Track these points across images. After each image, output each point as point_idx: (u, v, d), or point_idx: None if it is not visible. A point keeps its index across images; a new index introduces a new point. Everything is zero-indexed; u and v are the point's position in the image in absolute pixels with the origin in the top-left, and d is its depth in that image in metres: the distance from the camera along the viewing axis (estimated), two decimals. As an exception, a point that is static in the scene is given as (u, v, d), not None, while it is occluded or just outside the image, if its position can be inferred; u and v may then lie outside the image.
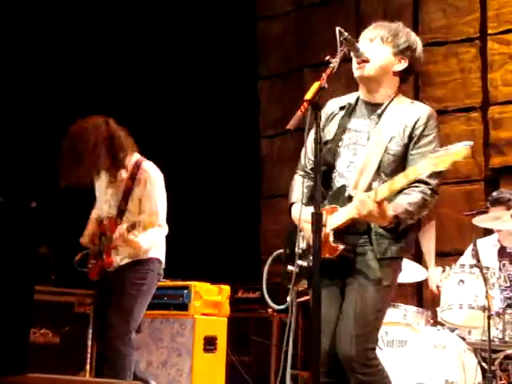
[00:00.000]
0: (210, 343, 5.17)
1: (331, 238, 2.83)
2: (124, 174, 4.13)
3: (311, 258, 2.72)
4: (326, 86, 2.62)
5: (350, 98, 3.04)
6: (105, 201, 4.23)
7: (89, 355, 6.19)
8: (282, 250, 3.17)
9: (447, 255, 5.99)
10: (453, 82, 6.33)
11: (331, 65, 2.69)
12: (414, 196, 2.80)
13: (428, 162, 2.59)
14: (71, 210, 7.07)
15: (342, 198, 2.87)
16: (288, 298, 2.90)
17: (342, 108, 3.02)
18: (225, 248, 7.00)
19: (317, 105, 2.61)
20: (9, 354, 5.81)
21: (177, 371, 5.28)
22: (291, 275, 2.89)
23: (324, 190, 2.90)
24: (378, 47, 2.94)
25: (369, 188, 2.83)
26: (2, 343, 5.86)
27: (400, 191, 2.77)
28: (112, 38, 7.10)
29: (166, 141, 6.95)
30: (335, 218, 2.83)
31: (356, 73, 2.95)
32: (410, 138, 2.87)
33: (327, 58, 2.72)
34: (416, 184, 2.79)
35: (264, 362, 6.03)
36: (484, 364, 4.35)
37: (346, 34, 2.78)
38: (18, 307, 5.99)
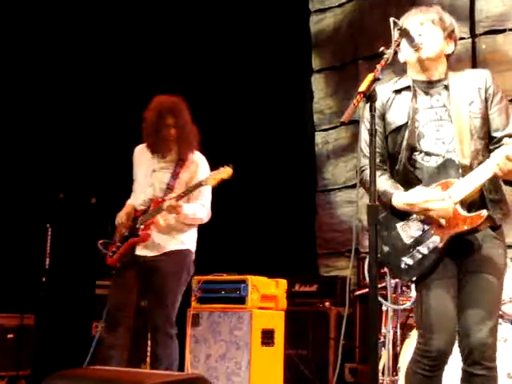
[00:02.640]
0: (267, 337, 5.19)
1: (462, 211, 2.75)
2: (175, 158, 4.25)
3: (437, 238, 2.74)
4: (381, 77, 2.61)
5: (403, 82, 3.00)
6: (149, 184, 4.29)
7: (149, 348, 6.29)
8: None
9: (509, 247, 5.86)
10: (511, 71, 6.19)
11: (385, 56, 2.68)
12: None
13: None
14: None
15: (451, 170, 2.81)
16: (413, 295, 2.83)
17: (397, 92, 2.98)
18: (281, 242, 7.01)
19: (371, 97, 2.60)
20: (72, 346, 5.95)
21: (235, 364, 5.31)
22: (406, 268, 2.83)
23: (408, 172, 2.88)
24: (431, 30, 2.92)
25: (475, 153, 2.81)
26: (65, 336, 6.01)
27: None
28: (173, 29, 7.20)
29: (222, 135, 6.99)
30: (459, 189, 2.76)
31: (412, 56, 2.91)
32: (486, 98, 2.90)
33: (381, 49, 2.71)
34: None
35: (322, 355, 6.02)
36: (547, 358, 4.25)
37: (401, 24, 2.77)
38: (80, 301, 6.12)
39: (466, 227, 2.74)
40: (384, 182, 2.91)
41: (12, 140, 6.61)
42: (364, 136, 2.92)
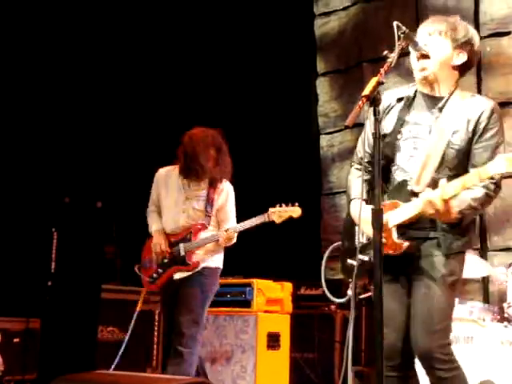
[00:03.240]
0: (273, 340, 5.20)
1: (395, 235, 2.82)
2: (207, 186, 4.38)
3: (372, 252, 2.72)
4: (384, 81, 2.61)
5: (407, 90, 3.01)
6: (183, 210, 4.37)
7: (155, 351, 6.30)
8: (339, 243, 3.18)
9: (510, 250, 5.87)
10: (516, 73, 6.19)
11: (389, 59, 2.69)
12: (478, 191, 2.78)
13: (500, 163, 2.56)
14: (136, 210, 7.21)
15: (403, 193, 2.85)
16: (349, 292, 2.91)
17: (399, 100, 2.99)
18: (286, 245, 7.01)
19: (375, 100, 2.60)
20: (77, 351, 5.96)
21: (241, 368, 5.32)
22: (351, 268, 2.92)
23: (385, 180, 2.90)
24: (437, 41, 2.91)
25: (432, 182, 2.80)
26: (70, 341, 6.01)
27: None
28: (175, 34, 7.22)
29: (228, 138, 7.00)
30: (398, 213, 2.81)
31: (418, 75, 2.93)
32: (474, 132, 2.84)
33: (385, 52, 2.72)
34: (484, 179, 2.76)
35: (328, 358, 6.02)
36: (553, 361, 4.25)
37: (404, 28, 2.77)
38: (86, 305, 6.13)
39: (390, 251, 2.80)
40: (357, 185, 2.99)
41: (18, 144, 6.63)
42: (363, 136, 3.00)
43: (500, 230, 6.05)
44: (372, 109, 2.62)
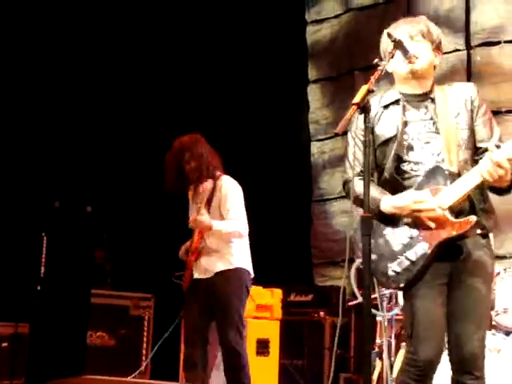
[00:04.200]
0: (262, 346, 5.20)
1: (451, 217, 2.77)
2: (209, 185, 4.49)
3: (425, 244, 2.76)
4: (375, 89, 2.63)
5: (391, 96, 3.03)
6: (196, 209, 4.49)
7: (144, 357, 6.29)
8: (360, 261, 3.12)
9: (502, 258, 5.89)
10: (506, 83, 6.23)
11: (380, 67, 2.71)
12: None
13: None
14: (126, 215, 7.21)
15: (440, 177, 2.84)
16: (400, 301, 2.84)
17: (385, 106, 3.01)
18: (276, 252, 7.02)
19: (365, 108, 2.62)
20: (67, 356, 5.94)
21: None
22: (393, 275, 2.84)
23: (396, 182, 2.90)
24: (421, 44, 2.96)
25: (464, 162, 2.84)
26: (60, 346, 5.99)
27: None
28: (166, 39, 7.24)
29: (219, 144, 7.01)
30: (450, 193, 2.78)
31: (404, 68, 2.93)
32: (472, 110, 2.95)
33: (375, 60, 2.74)
34: None
35: (317, 365, 6.02)
36: (541, 368, 4.26)
37: (395, 36, 2.80)
38: (75, 310, 6.11)
39: (454, 232, 2.76)
40: (371, 190, 2.89)
41: (7, 148, 6.61)
42: (351, 148, 2.96)
43: (489, 238, 6.08)
44: (362, 117, 2.64)
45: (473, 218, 2.76)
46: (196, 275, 4.49)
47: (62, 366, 5.81)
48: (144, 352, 6.31)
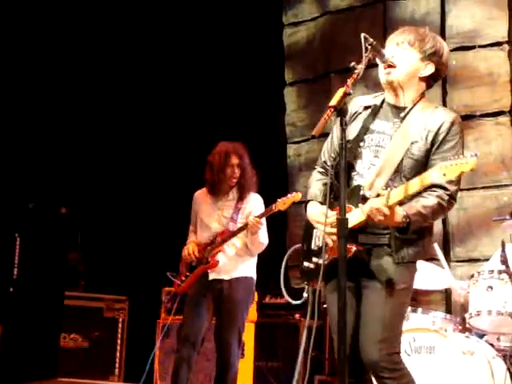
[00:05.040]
0: (237, 348, 5.18)
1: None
2: (236, 194, 4.66)
3: (326, 255, 2.81)
4: (352, 92, 2.64)
5: (375, 99, 3.04)
6: (215, 220, 4.63)
7: (117, 359, 6.25)
8: (299, 245, 3.19)
9: (476, 261, 5.94)
10: (481, 87, 6.27)
11: (356, 71, 2.71)
12: (430, 200, 2.81)
13: (438, 171, 2.58)
14: (100, 216, 7.16)
15: (356, 198, 2.86)
16: (305, 294, 2.92)
17: (366, 108, 3.02)
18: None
19: (342, 111, 2.63)
20: (39, 358, 5.88)
21: (205, 376, 5.30)
22: (307, 271, 2.97)
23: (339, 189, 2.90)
24: (404, 52, 2.93)
25: (385, 189, 2.80)
26: (32, 348, 5.93)
27: (417, 194, 2.78)
28: (131, 42, 7.21)
29: (191, 150, 7.01)
30: (349, 219, 2.77)
31: (382, 78, 2.95)
32: (433, 143, 2.86)
33: (352, 63, 2.74)
34: (434, 188, 2.80)
35: (291, 367, 6.01)
36: (513, 371, 4.31)
37: (372, 39, 2.79)
38: (48, 312, 6.06)
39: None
40: (315, 187, 3.05)
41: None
42: (329, 140, 3.03)
43: (463, 242, 6.13)
44: (339, 119, 2.65)
45: (353, 249, 2.79)
46: (213, 276, 4.54)
47: (35, 369, 5.76)
48: (118, 354, 6.27)
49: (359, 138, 2.94)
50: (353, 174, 2.93)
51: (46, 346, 5.97)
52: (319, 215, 2.91)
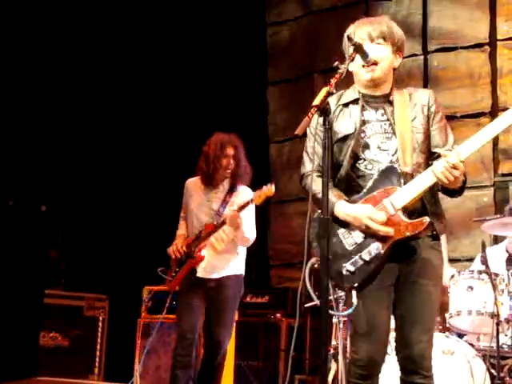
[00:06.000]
0: (218, 347, 5.17)
1: (404, 217, 2.83)
2: (226, 186, 4.64)
3: (379, 244, 2.81)
4: (335, 91, 2.65)
5: (350, 95, 3.05)
6: (204, 212, 4.59)
7: (98, 358, 6.21)
8: (315, 258, 3.12)
9: (457, 261, 5.98)
10: (462, 88, 6.32)
11: (340, 70, 2.72)
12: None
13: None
14: (80, 214, 7.12)
15: (394, 177, 2.88)
16: (354, 300, 2.87)
17: (345, 105, 3.03)
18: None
19: (325, 110, 2.63)
20: (19, 357, 5.84)
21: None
22: (348, 274, 2.87)
23: (351, 179, 2.95)
24: (382, 48, 2.99)
25: (417, 165, 2.89)
26: (12, 346, 5.89)
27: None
28: (114, 40, 7.18)
29: (174, 147, 6.98)
30: (404, 193, 2.83)
31: (366, 76, 2.97)
32: (428, 115, 3.01)
33: (336, 63, 2.75)
34: None
35: (272, 366, 6.02)
36: (493, 370, 4.32)
37: (355, 39, 2.82)
38: (28, 310, 6.02)
39: (408, 233, 2.82)
40: (330, 190, 2.97)
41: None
42: (311, 143, 3.00)
43: (443, 242, 6.16)
44: (322, 119, 2.65)
45: (426, 219, 2.81)
46: (201, 274, 4.52)
47: (14, 367, 5.72)
48: (98, 353, 6.24)
49: (358, 130, 2.97)
50: (359, 163, 2.95)
51: (26, 344, 5.93)
52: (364, 214, 2.85)
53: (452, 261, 6.05)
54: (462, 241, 6.09)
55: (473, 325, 4.47)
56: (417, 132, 2.96)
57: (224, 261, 4.54)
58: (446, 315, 4.55)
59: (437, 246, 2.96)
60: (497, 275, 4.44)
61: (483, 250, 4.45)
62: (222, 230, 4.48)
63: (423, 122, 2.99)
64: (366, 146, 2.97)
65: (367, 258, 2.85)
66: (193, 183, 4.74)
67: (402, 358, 2.88)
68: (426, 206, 2.89)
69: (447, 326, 4.57)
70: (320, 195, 2.73)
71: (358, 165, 2.95)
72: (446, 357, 4.26)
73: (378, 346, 2.85)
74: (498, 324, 4.20)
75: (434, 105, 3.03)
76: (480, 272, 4.45)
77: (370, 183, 2.91)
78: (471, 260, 5.42)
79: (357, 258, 2.87)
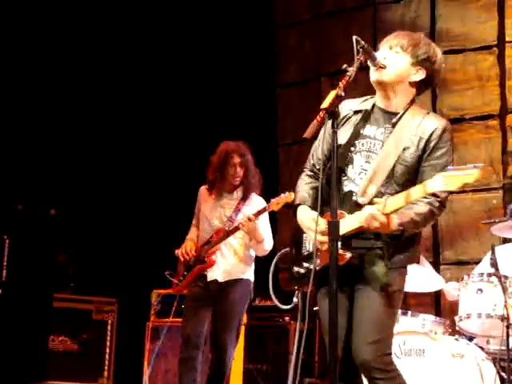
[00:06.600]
0: (227, 351, 5.16)
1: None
2: (240, 194, 4.66)
3: (318, 261, 2.80)
4: (343, 94, 2.64)
5: (366, 104, 3.03)
6: (216, 217, 4.62)
7: (107, 362, 6.22)
8: (287, 249, 3.19)
9: (466, 264, 5.96)
10: (470, 90, 6.30)
11: (348, 73, 2.70)
12: (422, 207, 2.81)
13: (440, 181, 2.56)
14: (89, 218, 7.13)
15: (348, 204, 2.86)
16: (294, 299, 2.91)
17: (356, 112, 3.01)
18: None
19: (333, 113, 2.62)
20: (28, 361, 5.85)
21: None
22: (297, 276, 2.97)
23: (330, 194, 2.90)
24: (396, 55, 2.94)
25: (378, 196, 2.81)
26: (21, 351, 5.90)
27: None
28: (116, 42, 7.20)
29: (183, 151, 6.99)
30: (342, 224, 2.77)
31: (372, 76, 2.95)
32: (424, 149, 2.88)
33: (344, 66, 2.73)
34: (425, 195, 2.79)
35: (281, 370, 6.01)
36: (503, 373, 4.30)
37: (363, 42, 2.79)
38: (37, 314, 6.03)
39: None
40: (304, 190, 3.03)
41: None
42: (317, 141, 3.01)
43: (453, 244, 6.15)
44: (330, 122, 2.64)
45: (347, 256, 2.79)
46: (212, 277, 4.53)
47: (23, 372, 5.73)
48: (107, 357, 6.25)
49: (350, 143, 2.94)
50: (343, 179, 2.93)
51: (35, 348, 5.94)
52: (310, 222, 2.89)
53: (461, 263, 6.04)
54: (471, 243, 6.07)
55: (482, 328, 4.45)
56: (400, 163, 2.85)
57: (233, 265, 4.55)
58: (456, 318, 4.53)
59: (385, 254, 2.86)
60: (506, 278, 4.42)
61: (493, 253, 4.43)
62: (237, 238, 4.54)
63: (414, 154, 2.86)
64: (350, 162, 2.93)
65: (311, 266, 2.87)
66: (205, 190, 4.78)
67: (356, 363, 2.87)
68: (380, 233, 2.81)
69: (457, 329, 4.56)
70: (298, 194, 2.97)
71: (341, 178, 2.92)
72: (455, 360, 4.24)
73: (341, 347, 2.83)
74: (507, 327, 4.18)
75: (437, 140, 2.87)
76: (490, 275, 4.43)
77: (339, 200, 2.86)
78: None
79: (305, 264, 2.94)
